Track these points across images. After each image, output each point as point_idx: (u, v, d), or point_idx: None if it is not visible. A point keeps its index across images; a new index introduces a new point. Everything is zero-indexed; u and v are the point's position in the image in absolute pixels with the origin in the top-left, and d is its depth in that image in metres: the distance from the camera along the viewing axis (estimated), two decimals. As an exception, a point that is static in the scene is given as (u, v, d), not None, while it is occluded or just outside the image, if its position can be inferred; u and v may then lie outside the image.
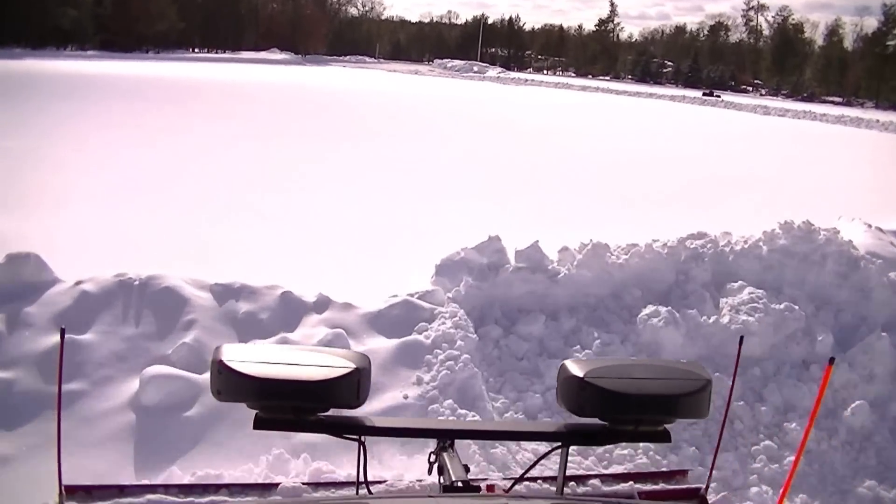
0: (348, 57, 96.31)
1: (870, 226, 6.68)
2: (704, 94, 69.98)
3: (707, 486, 2.91)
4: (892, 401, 5.18)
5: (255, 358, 1.57)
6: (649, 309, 5.34)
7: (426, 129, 21.61)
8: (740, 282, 5.73)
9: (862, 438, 4.98)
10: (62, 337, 2.10)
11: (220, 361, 1.56)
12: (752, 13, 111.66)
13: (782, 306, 5.44)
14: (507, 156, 17.07)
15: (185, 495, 2.84)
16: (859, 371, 5.24)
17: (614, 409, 1.62)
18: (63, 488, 2.41)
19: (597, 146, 20.44)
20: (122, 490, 2.76)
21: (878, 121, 42.54)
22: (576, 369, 1.63)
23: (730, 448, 4.73)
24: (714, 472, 3.03)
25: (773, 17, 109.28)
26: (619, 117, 33.73)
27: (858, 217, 7.17)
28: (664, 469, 3.31)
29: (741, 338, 3.05)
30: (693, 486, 3.03)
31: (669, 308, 5.35)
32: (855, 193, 14.15)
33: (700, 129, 30.15)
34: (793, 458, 4.72)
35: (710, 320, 5.37)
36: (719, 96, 68.27)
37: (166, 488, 2.87)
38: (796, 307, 5.50)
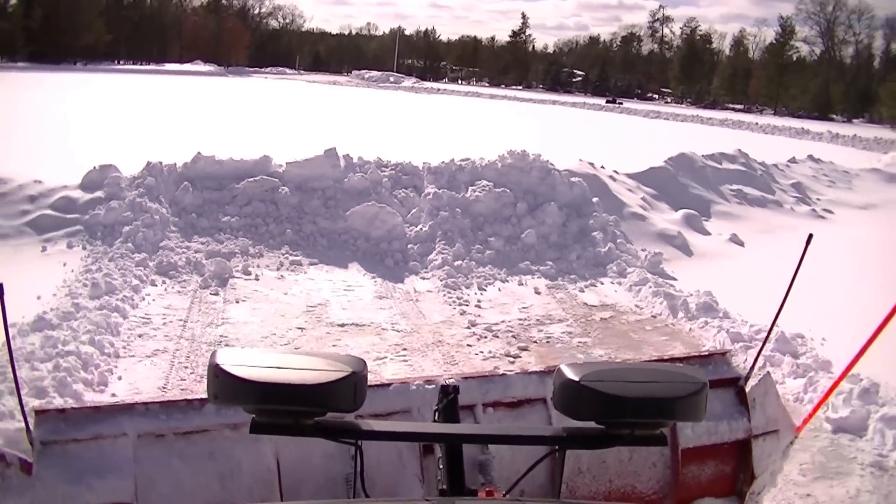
0: (269, 68, 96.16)
1: (587, 162, 11.55)
2: (608, 101, 72.57)
3: (748, 378, 3.27)
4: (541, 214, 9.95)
5: (251, 362, 1.56)
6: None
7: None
8: (483, 181, 10.48)
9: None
10: (1, 294, 2.35)
11: (217, 366, 1.54)
12: (657, 24, 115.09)
13: (500, 191, 10.17)
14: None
15: (166, 416, 2.80)
16: (538, 219, 9.99)
17: (611, 413, 1.61)
18: (33, 412, 2.62)
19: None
20: (98, 409, 2.75)
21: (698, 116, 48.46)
22: (571, 373, 1.62)
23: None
24: None
25: (681, 28, 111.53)
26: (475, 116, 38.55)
27: (580, 158, 12.06)
28: (701, 352, 3.46)
29: (810, 235, 3.23)
30: (733, 375, 3.29)
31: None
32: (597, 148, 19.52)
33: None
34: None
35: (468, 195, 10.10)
36: (621, 103, 71.50)
37: (146, 406, 2.77)
38: (509, 191, 10.25)
